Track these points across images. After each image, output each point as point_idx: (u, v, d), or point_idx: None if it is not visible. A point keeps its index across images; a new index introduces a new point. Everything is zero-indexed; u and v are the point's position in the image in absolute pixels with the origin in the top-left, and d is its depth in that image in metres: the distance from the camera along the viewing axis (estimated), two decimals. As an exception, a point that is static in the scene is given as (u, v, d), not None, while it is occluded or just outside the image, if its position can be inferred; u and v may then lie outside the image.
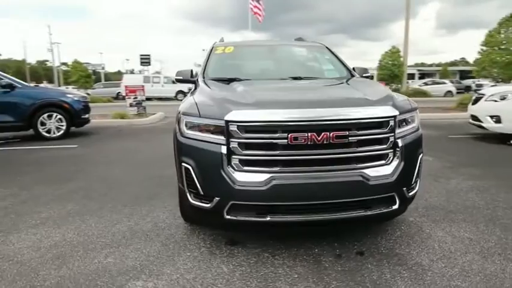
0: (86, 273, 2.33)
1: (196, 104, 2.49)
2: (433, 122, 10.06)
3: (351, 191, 2.33)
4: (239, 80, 3.19)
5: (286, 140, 2.21)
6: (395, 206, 2.46)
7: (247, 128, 2.25)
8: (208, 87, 2.98)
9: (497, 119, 6.46)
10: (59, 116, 7.96)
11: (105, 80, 44.46)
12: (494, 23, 14.73)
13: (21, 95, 7.73)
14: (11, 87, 7.65)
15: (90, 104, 9.27)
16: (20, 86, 7.90)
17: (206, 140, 2.36)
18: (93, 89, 29.26)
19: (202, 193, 2.39)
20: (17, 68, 61.73)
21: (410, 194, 2.56)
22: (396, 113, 2.39)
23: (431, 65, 76.46)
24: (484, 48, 14.87)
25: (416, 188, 2.64)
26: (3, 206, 3.64)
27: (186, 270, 2.35)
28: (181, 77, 3.70)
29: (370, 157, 2.36)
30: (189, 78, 3.66)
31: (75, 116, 8.17)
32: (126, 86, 12.42)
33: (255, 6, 22.45)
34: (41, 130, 7.86)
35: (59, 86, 42.50)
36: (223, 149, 2.28)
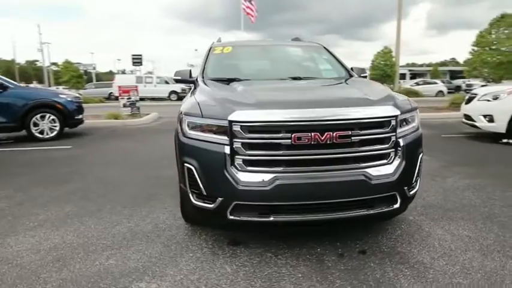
0: (87, 275, 2.31)
1: (199, 104, 2.48)
2: (426, 122, 10.16)
3: (353, 190, 2.34)
4: (239, 80, 3.19)
5: (289, 140, 2.22)
6: (397, 205, 2.48)
7: (250, 128, 2.25)
8: (209, 87, 2.97)
9: (490, 118, 6.56)
10: (52, 117, 7.85)
11: (97, 80, 44.04)
12: (485, 23, 14.96)
13: (14, 96, 7.62)
14: (3, 87, 7.54)
15: (82, 105, 9.16)
16: (12, 86, 7.79)
17: (209, 140, 2.35)
18: (85, 89, 28.96)
19: (205, 193, 2.39)
20: (6, 68, 60.76)
21: (411, 193, 2.58)
22: (397, 112, 2.42)
23: (422, 65, 77.26)
24: (475, 48, 15.09)
25: (417, 187, 2.67)
26: (-1, 208, 3.59)
27: (189, 271, 2.34)
28: (180, 77, 3.69)
29: (372, 156, 2.38)
30: (188, 79, 3.65)
31: (69, 117, 8.07)
32: (119, 87, 12.31)
33: (248, 7, 22.42)
34: (33, 131, 7.75)
35: (49, 86, 41.97)
36: (227, 149, 2.28)
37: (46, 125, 7.83)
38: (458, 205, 3.44)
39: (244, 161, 2.29)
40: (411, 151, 2.52)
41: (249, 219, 2.35)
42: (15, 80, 8.60)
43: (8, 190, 4.17)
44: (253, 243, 2.69)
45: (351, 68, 3.83)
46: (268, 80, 3.34)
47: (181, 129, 2.53)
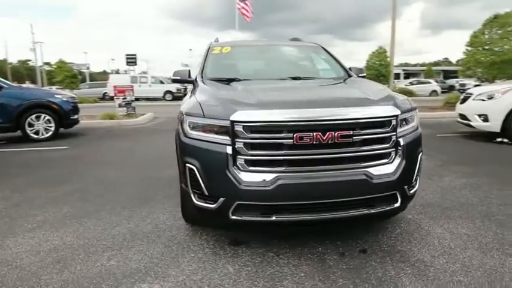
0: (89, 276, 2.29)
1: (200, 104, 2.48)
2: (421, 121, 10.13)
3: (355, 189, 2.35)
4: (238, 80, 3.19)
5: (291, 140, 2.23)
6: (397, 204, 2.50)
7: (253, 128, 2.25)
8: (209, 87, 2.97)
9: (485, 118, 6.63)
10: (48, 117, 7.79)
11: (90, 80, 43.70)
12: (477, 23, 15.12)
13: (8, 96, 7.54)
14: (-3, 87, 7.46)
15: (78, 105, 9.08)
16: (6, 86, 7.71)
17: (211, 140, 2.35)
18: (79, 89, 28.72)
19: (207, 194, 2.38)
20: (-2, 67, 60.00)
21: (411, 191, 2.60)
22: (398, 112, 2.43)
23: (415, 65, 77.83)
24: (469, 48, 15.23)
25: (417, 186, 2.69)
26: (-4, 209, 3.56)
27: (191, 271, 2.34)
28: (178, 77, 3.68)
29: (374, 156, 2.39)
30: (187, 79, 3.64)
31: (64, 117, 8.01)
32: (115, 87, 12.23)
33: (243, 8, 22.38)
34: (28, 131, 7.68)
35: (43, 86, 41.57)
36: (229, 149, 2.28)
37: (41, 125, 7.76)
38: (456, 204, 3.48)
39: (246, 161, 2.29)
40: (411, 150, 2.54)
41: (251, 219, 2.35)
42: (7, 80, 8.48)
43: (4, 191, 4.13)
44: (255, 243, 2.69)
45: (349, 68, 3.85)
46: (268, 80, 3.34)
47: (183, 129, 2.52)
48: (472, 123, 6.93)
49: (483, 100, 6.75)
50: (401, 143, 2.46)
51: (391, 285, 2.14)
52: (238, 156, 2.29)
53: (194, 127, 2.45)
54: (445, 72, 54.27)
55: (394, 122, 2.41)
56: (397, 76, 39.82)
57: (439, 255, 2.49)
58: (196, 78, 3.45)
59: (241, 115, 2.25)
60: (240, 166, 2.29)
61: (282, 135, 2.24)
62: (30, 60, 66.57)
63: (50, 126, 7.85)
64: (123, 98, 11.95)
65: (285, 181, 2.25)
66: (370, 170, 2.36)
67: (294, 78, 3.35)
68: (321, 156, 2.29)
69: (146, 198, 3.79)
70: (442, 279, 2.19)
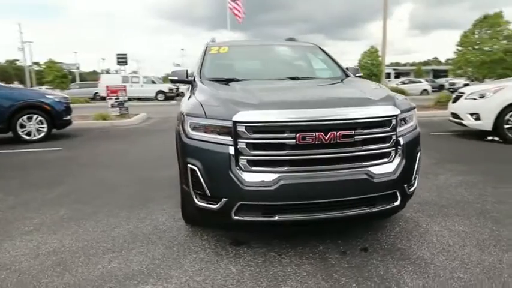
0: (91, 279, 2.27)
1: (201, 105, 2.47)
2: (414, 120, 10.36)
3: (356, 188, 2.37)
4: (237, 80, 3.19)
5: (294, 140, 2.24)
6: (397, 203, 2.53)
7: (255, 128, 2.25)
8: (209, 87, 2.96)
9: (477, 117, 6.73)
10: (40, 118, 7.68)
11: (80, 80, 43.23)
12: (466, 23, 15.38)
13: (-1, 96, 7.42)
14: (-13, 88, 7.33)
15: (70, 105, 8.97)
16: (-4, 87, 7.58)
17: (213, 141, 2.35)
18: (69, 89, 28.37)
19: (209, 194, 2.38)
20: (-15, 67, 58.96)
21: (411, 190, 2.64)
22: (398, 112, 2.46)
23: (405, 65, 78.70)
24: (460, 48, 15.47)
25: (416, 185, 2.73)
26: (-9, 212, 3.50)
27: (194, 272, 2.33)
28: (176, 78, 3.66)
29: (374, 155, 2.42)
30: (185, 79, 3.62)
31: (57, 118, 7.90)
32: (107, 87, 12.11)
33: (234, 8, 22.29)
34: (20, 133, 7.56)
35: (31, 86, 40.97)
36: (231, 150, 2.28)
37: (33, 126, 7.65)
38: (452, 201, 3.53)
39: (248, 161, 2.29)
40: (410, 149, 2.57)
41: (254, 219, 2.36)
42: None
43: (-1, 194, 4.06)
44: (256, 243, 2.70)
45: (346, 68, 3.88)
46: (267, 80, 3.35)
47: (184, 130, 2.51)
48: (464, 122, 7.04)
49: (475, 99, 6.85)
50: (401, 143, 2.49)
51: (393, 282, 2.17)
52: (241, 157, 2.29)
53: (195, 128, 2.44)
54: (434, 71, 55.03)
55: (394, 122, 2.44)
56: (387, 75, 40.20)
57: (439, 252, 2.53)
58: (194, 79, 3.43)
59: (244, 115, 2.25)
60: (242, 166, 2.29)
61: (285, 135, 2.25)
62: (18, 60, 65.48)
63: (42, 127, 7.74)
64: (115, 98, 11.85)
65: (287, 181, 2.26)
66: (371, 169, 2.39)
67: (293, 79, 3.36)
68: (323, 156, 2.30)
69: (144, 199, 3.77)
70: (442, 276, 2.22)
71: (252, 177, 2.28)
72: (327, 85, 3.30)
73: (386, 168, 2.44)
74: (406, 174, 2.53)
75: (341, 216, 2.42)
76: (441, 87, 33.55)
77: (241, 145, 2.27)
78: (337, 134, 2.26)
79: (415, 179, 2.68)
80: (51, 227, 3.12)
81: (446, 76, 41.70)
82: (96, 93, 27.60)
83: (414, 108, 2.76)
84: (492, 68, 14.10)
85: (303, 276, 2.26)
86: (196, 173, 2.39)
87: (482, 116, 6.68)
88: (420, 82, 31.03)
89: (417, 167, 2.67)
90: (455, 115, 7.35)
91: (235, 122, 2.26)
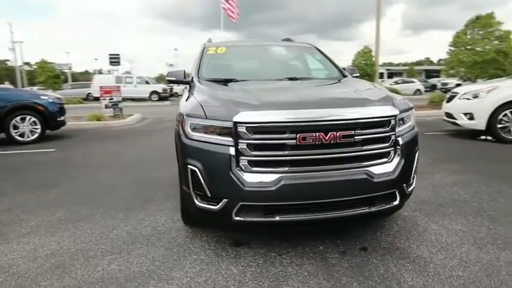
0: (91, 281, 2.26)
1: (201, 105, 2.47)
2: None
3: (356, 188, 2.39)
4: (236, 80, 3.19)
5: (294, 141, 2.24)
6: (396, 202, 2.55)
7: (256, 129, 2.26)
8: (208, 88, 2.95)
9: (471, 116, 6.81)
10: (33, 119, 7.59)
11: (72, 81, 42.79)
12: (457, 23, 15.59)
13: (-9, 97, 7.32)
14: (-20, 89, 7.23)
15: (64, 106, 8.88)
16: (-12, 87, 7.48)
17: (213, 141, 2.34)
18: (61, 89, 28.09)
19: (209, 195, 2.38)
20: (-26, 68, 58.08)
21: (409, 189, 2.66)
22: (397, 112, 2.48)
23: (398, 65, 79.29)
24: (452, 48, 15.64)
25: (414, 184, 2.75)
26: (-14, 215, 3.45)
27: (195, 273, 2.33)
28: (173, 78, 3.64)
29: (374, 155, 2.44)
30: (182, 79, 3.61)
31: (51, 119, 7.81)
32: (101, 87, 12.02)
33: (228, 9, 22.23)
34: (13, 134, 7.47)
35: (23, 86, 40.46)
36: (232, 151, 2.28)
37: (27, 127, 7.56)
38: (449, 200, 3.57)
39: (249, 161, 2.29)
40: (409, 149, 2.59)
41: (255, 219, 2.36)
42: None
43: (-7, 196, 4.01)
44: (256, 244, 2.70)
45: (343, 68, 3.90)
46: (265, 81, 3.35)
47: (184, 130, 2.51)
48: (458, 122, 7.11)
49: (468, 99, 6.93)
50: (400, 142, 2.51)
51: (394, 281, 2.19)
52: (241, 157, 2.29)
53: (195, 128, 2.44)
54: (426, 71, 55.55)
55: (393, 122, 2.46)
56: (380, 75, 40.44)
57: (437, 251, 2.55)
58: (192, 79, 3.42)
59: (245, 116, 2.25)
60: (243, 167, 2.29)
61: (285, 135, 2.25)
62: (9, 60, 64.47)
63: (36, 128, 7.66)
64: (109, 99, 11.76)
65: (288, 181, 2.27)
66: (371, 169, 2.40)
67: (291, 79, 3.37)
68: (323, 156, 2.31)
69: (142, 200, 3.75)
70: (442, 275, 2.25)
71: (253, 178, 2.28)
72: (325, 85, 3.32)
73: (385, 168, 2.46)
74: (405, 174, 2.56)
75: (341, 216, 2.43)
76: (433, 87, 33.89)
77: (242, 146, 2.27)
78: (338, 134, 2.27)
79: (413, 178, 2.71)
80: (49, 229, 3.09)
81: (438, 76, 42.16)
82: (89, 93, 27.40)
83: (412, 108, 2.79)
84: (484, 68, 14.28)
85: (304, 276, 2.27)
86: (197, 174, 2.39)
87: (476, 115, 6.76)
88: (413, 82, 31.33)
89: (415, 167, 2.70)
90: (449, 115, 7.42)
91: (235, 123, 2.26)
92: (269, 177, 2.27)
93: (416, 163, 2.72)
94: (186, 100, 2.87)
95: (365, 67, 22.21)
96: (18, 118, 7.48)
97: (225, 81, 3.14)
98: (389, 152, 2.49)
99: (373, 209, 2.47)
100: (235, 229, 2.81)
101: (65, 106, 8.77)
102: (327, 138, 2.26)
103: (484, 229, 2.89)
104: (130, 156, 6.26)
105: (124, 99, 12.37)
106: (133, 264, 2.45)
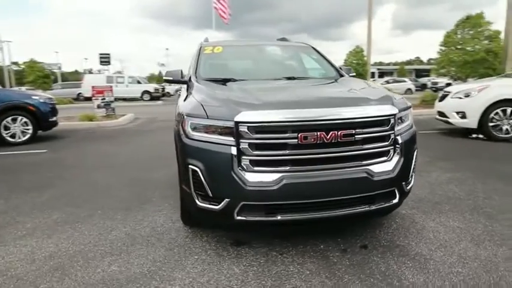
0: (92, 283, 2.23)
1: (202, 105, 2.45)
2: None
3: (357, 187, 2.40)
4: (234, 80, 3.19)
5: (296, 140, 2.25)
6: (395, 200, 2.58)
7: (257, 128, 2.26)
8: (206, 87, 2.94)
9: (463, 115, 6.91)
10: (25, 120, 7.47)
11: (62, 81, 42.26)
12: (446, 24, 15.81)
13: (-19, 98, 7.19)
14: (-31, 89, 7.10)
15: (56, 106, 8.76)
16: (-22, 87, 7.34)
17: (214, 141, 2.34)
18: (51, 89, 27.72)
19: (211, 195, 2.37)
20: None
21: (408, 188, 2.69)
22: (396, 111, 2.51)
23: (388, 64, 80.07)
24: (443, 48, 15.85)
25: (412, 182, 2.78)
26: (-20, 217, 3.39)
27: (197, 273, 2.32)
28: (171, 78, 3.61)
29: (374, 154, 2.46)
30: (180, 79, 3.58)
31: (42, 119, 7.70)
32: (93, 87, 11.89)
33: (219, 9, 22.14)
34: (4, 135, 7.33)
35: (11, 87, 39.81)
36: (233, 150, 2.28)
37: (18, 128, 7.44)
38: (445, 198, 3.61)
39: (251, 161, 2.29)
40: (408, 148, 2.62)
41: (256, 219, 2.36)
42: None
43: (-13, 198, 3.94)
44: (256, 243, 2.70)
45: (340, 68, 3.92)
46: (263, 80, 3.34)
47: (184, 130, 2.49)
48: (450, 120, 7.21)
49: (461, 98, 7.02)
50: (399, 141, 2.54)
51: (395, 279, 2.21)
52: (243, 157, 2.29)
53: (196, 128, 2.43)
54: (417, 71, 56.22)
55: (392, 121, 2.48)
56: (372, 75, 40.75)
57: (436, 248, 2.58)
58: (190, 79, 3.40)
59: (246, 116, 2.25)
60: (244, 167, 2.29)
61: (287, 135, 2.26)
62: (-5, 60, 63.26)
63: (27, 129, 7.54)
64: (101, 99, 11.64)
65: (290, 180, 2.27)
66: (371, 167, 2.42)
67: (289, 78, 3.38)
68: (325, 156, 2.32)
69: (139, 201, 3.72)
70: (442, 271, 2.28)
71: (255, 177, 2.28)
72: (324, 85, 3.33)
73: (385, 167, 2.48)
74: (404, 172, 2.58)
75: (342, 214, 2.44)
76: (424, 86, 34.35)
77: (244, 145, 2.27)
78: (339, 133, 2.28)
79: (411, 176, 2.73)
80: (45, 231, 3.05)
81: (428, 75, 42.64)
82: (80, 93, 27.10)
83: (410, 107, 2.82)
84: (474, 67, 14.49)
85: (306, 274, 2.28)
86: (198, 174, 2.38)
87: (468, 114, 6.85)
88: (404, 81, 31.72)
89: (414, 165, 2.73)
90: (441, 113, 7.52)
91: (237, 123, 2.26)
92: (271, 177, 2.28)
93: (415, 162, 2.75)
94: (185, 100, 2.86)
95: (357, 67, 22.40)
96: (9, 119, 7.35)
97: (223, 81, 3.13)
98: (388, 151, 2.51)
99: (373, 207, 2.49)
100: (237, 229, 2.81)
101: (57, 106, 8.65)
102: (328, 137, 2.27)
103: (481, 226, 2.94)
104: (124, 157, 6.21)
105: (115, 99, 12.25)
106: (134, 265, 2.43)
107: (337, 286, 2.15)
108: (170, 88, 33.78)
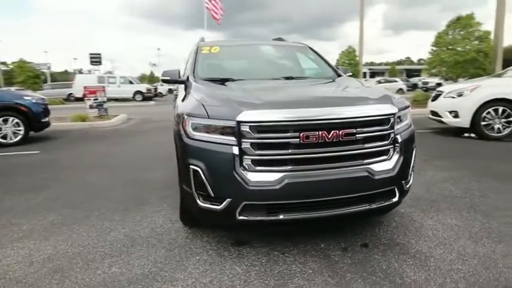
0: (92, 285, 2.21)
1: (203, 105, 2.44)
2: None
3: (358, 186, 2.42)
4: (232, 80, 3.18)
5: (298, 139, 2.25)
6: (395, 199, 2.60)
7: (259, 128, 2.25)
8: (205, 87, 2.93)
9: (456, 114, 6.99)
10: (16, 120, 7.36)
11: (52, 81, 41.69)
12: (436, 24, 16.02)
13: (-28, 98, 7.06)
14: (-41, 89, 6.96)
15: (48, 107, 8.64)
16: (-32, 88, 7.21)
17: (216, 141, 2.33)
18: (42, 90, 27.34)
19: (212, 195, 2.36)
20: None
21: (407, 186, 2.71)
22: (396, 110, 2.53)
23: (380, 64, 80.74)
24: (434, 48, 16.06)
25: (411, 181, 2.80)
26: (-26, 220, 3.32)
27: (199, 274, 2.31)
28: (168, 78, 3.58)
29: (374, 153, 2.47)
30: (177, 79, 3.56)
31: (34, 120, 7.59)
32: (85, 87, 11.76)
33: (211, 9, 22.05)
34: (-5, 136, 7.22)
35: None
36: (235, 150, 2.27)
37: (9, 129, 7.32)
38: (441, 196, 3.65)
39: (252, 161, 2.29)
40: (407, 147, 2.64)
41: (259, 218, 2.36)
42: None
43: (-20, 200, 3.87)
44: (257, 243, 2.70)
45: (337, 67, 3.94)
46: (262, 80, 3.34)
47: (184, 130, 2.48)
48: (443, 120, 7.29)
49: (453, 97, 7.11)
50: (399, 140, 2.56)
51: (397, 276, 2.22)
52: (245, 157, 2.28)
53: (197, 128, 2.41)
54: (407, 71, 56.85)
55: (392, 120, 2.50)
56: (363, 75, 41.10)
57: (435, 246, 2.61)
58: (188, 78, 3.38)
59: (248, 115, 2.24)
60: (246, 166, 2.29)
61: (289, 134, 2.26)
62: (-17, 60, 62.12)
63: (19, 130, 7.42)
64: (94, 99, 11.52)
65: (292, 180, 2.27)
66: (372, 166, 2.44)
67: (287, 78, 3.38)
68: (326, 155, 2.33)
69: (137, 201, 3.68)
70: (442, 269, 2.30)
71: (257, 177, 2.28)
72: (323, 84, 3.34)
73: (385, 166, 2.49)
74: (404, 171, 2.60)
75: (343, 213, 2.45)
76: (415, 86, 34.73)
77: (246, 145, 2.27)
78: (340, 132, 2.29)
79: (411, 175, 2.76)
80: (42, 233, 3.00)
81: (418, 75, 43.17)
82: (71, 94, 26.77)
83: (409, 106, 2.84)
84: (465, 67, 14.71)
85: (309, 273, 2.28)
86: (199, 174, 2.36)
87: (460, 113, 6.94)
88: (396, 81, 32.06)
89: (413, 164, 2.75)
90: (434, 113, 7.60)
91: (239, 122, 2.25)
92: (273, 176, 2.28)
93: (414, 160, 2.77)
94: (183, 100, 2.84)
95: (349, 67, 22.59)
96: (0, 119, 7.23)
97: (222, 81, 3.12)
98: (388, 150, 2.53)
99: (374, 206, 2.50)
100: (238, 229, 2.80)
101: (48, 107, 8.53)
102: (329, 136, 2.28)
103: (478, 223, 2.98)
104: (119, 157, 6.15)
105: (107, 100, 12.13)
106: (135, 267, 2.41)
107: (340, 284, 2.16)
108: (162, 88, 33.60)
